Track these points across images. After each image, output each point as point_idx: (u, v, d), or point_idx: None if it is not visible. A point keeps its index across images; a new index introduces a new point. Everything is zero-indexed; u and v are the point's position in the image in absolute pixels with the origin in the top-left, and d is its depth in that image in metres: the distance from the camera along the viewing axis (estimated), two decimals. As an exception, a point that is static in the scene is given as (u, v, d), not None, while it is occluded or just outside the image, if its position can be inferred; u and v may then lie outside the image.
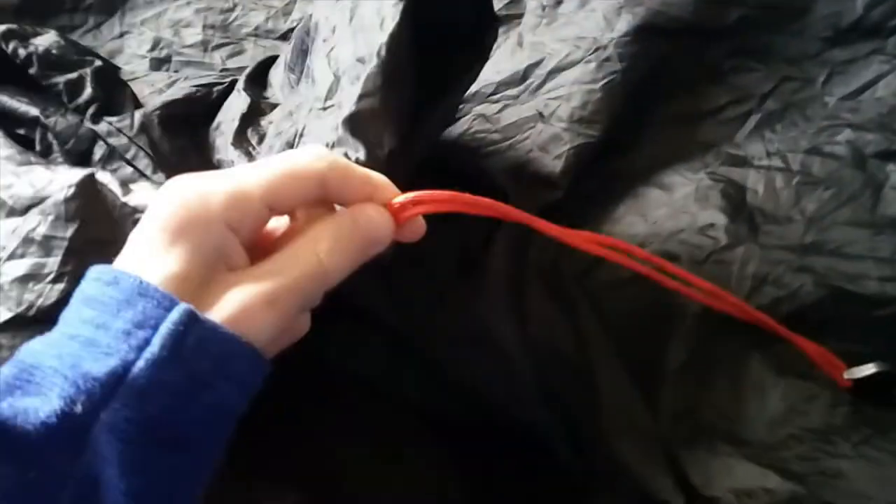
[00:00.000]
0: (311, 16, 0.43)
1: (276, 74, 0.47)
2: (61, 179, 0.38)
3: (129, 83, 0.52)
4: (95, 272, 0.26)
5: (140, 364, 0.23)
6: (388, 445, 0.42)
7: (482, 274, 0.40)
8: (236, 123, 0.43)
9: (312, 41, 0.42)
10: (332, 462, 0.40)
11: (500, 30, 0.52)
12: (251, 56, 0.56)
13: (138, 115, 0.46)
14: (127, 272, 0.25)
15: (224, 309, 0.25)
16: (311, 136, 0.37)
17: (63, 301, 0.34)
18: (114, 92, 0.49)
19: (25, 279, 0.36)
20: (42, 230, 0.37)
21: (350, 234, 0.28)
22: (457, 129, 0.49)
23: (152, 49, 0.57)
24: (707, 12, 0.49)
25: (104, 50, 0.58)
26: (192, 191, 0.27)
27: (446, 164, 0.43)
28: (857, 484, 0.35)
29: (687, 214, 0.44)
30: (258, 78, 0.48)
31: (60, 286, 0.36)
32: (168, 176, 0.43)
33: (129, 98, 0.50)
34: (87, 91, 0.48)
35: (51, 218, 0.37)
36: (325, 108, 0.37)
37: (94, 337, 0.24)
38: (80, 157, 0.46)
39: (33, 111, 0.47)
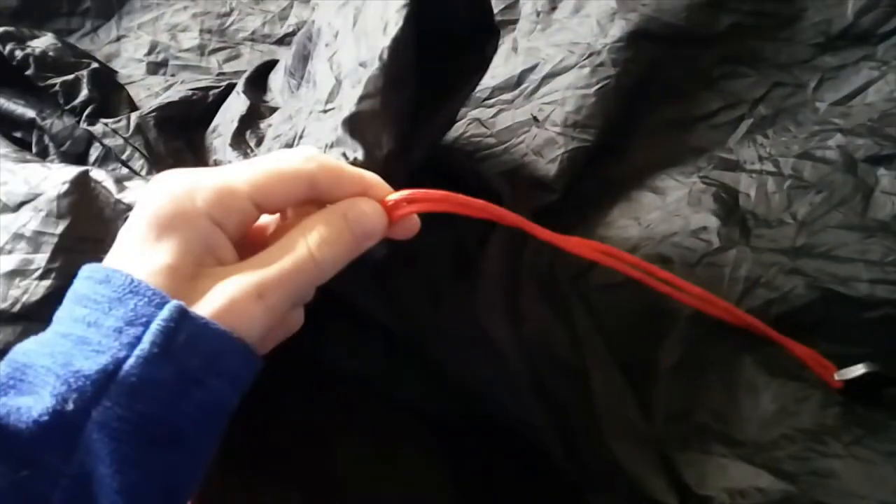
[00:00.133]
0: (312, 21, 0.43)
1: (276, 79, 0.47)
2: (56, 176, 0.38)
3: (125, 87, 0.52)
4: (87, 270, 0.26)
5: (131, 361, 0.23)
6: (387, 445, 0.42)
7: (477, 275, 0.40)
8: (235, 125, 0.44)
9: (315, 46, 0.42)
10: (332, 462, 0.40)
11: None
12: (247, 60, 0.56)
13: (134, 116, 0.46)
14: (119, 270, 0.25)
15: (213, 303, 0.25)
16: (310, 137, 0.37)
17: (49, 298, 0.34)
18: (110, 94, 0.50)
19: (12, 275, 0.36)
20: (33, 226, 0.37)
21: (341, 227, 0.28)
22: (452, 133, 0.49)
23: (149, 53, 0.57)
24: (699, 19, 0.49)
25: (101, 53, 0.58)
26: (179, 185, 0.27)
27: (441, 167, 0.43)
28: (848, 483, 0.35)
29: (680, 218, 0.44)
30: (258, 81, 0.48)
31: (47, 283, 0.36)
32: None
33: (124, 100, 0.50)
34: (84, 93, 0.48)
35: (42, 214, 0.37)
36: (325, 111, 0.37)
37: (85, 335, 0.24)
38: (76, 158, 0.46)
39: (30, 113, 0.47)
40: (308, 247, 0.27)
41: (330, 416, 0.41)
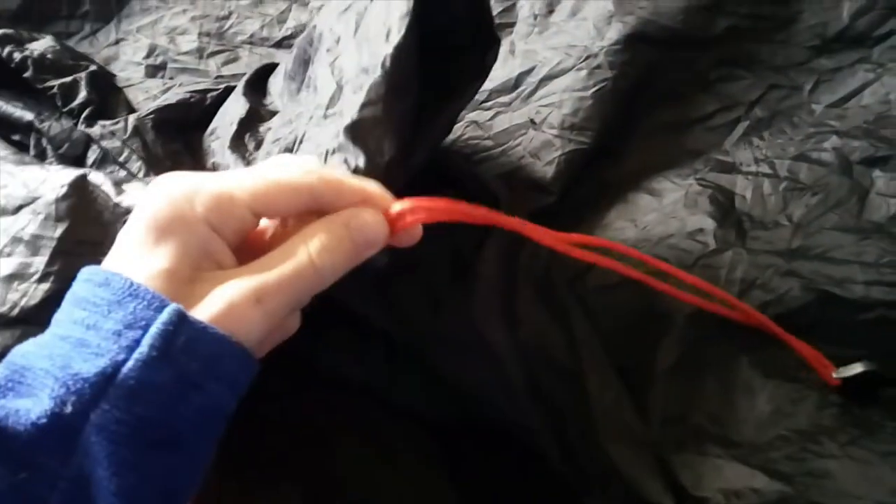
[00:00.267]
0: (314, 26, 0.43)
1: (276, 83, 0.47)
2: (54, 179, 0.38)
3: (123, 89, 0.52)
4: (87, 273, 0.26)
5: (130, 364, 0.23)
6: (386, 448, 0.42)
7: (473, 279, 0.40)
8: (234, 128, 0.44)
9: (315, 51, 0.42)
10: (332, 464, 0.40)
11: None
12: (246, 63, 0.56)
13: (132, 119, 0.47)
14: (118, 273, 0.25)
15: (211, 307, 0.25)
16: (311, 142, 0.37)
17: (47, 301, 0.34)
18: (108, 96, 0.50)
19: (10, 278, 0.36)
20: (31, 229, 0.37)
21: (342, 235, 0.28)
22: (450, 135, 0.50)
23: (148, 56, 0.57)
24: (696, 22, 0.50)
25: (100, 57, 0.58)
26: (178, 189, 0.27)
27: (440, 169, 0.44)
28: (844, 484, 0.35)
29: (676, 220, 0.44)
30: (257, 84, 0.48)
31: (45, 286, 0.36)
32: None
33: (122, 102, 0.50)
34: (82, 94, 0.48)
35: (41, 217, 0.37)
36: (326, 116, 0.37)
37: (84, 338, 0.24)
38: (73, 160, 0.46)
39: (28, 116, 0.47)
40: (309, 253, 0.27)
41: (329, 418, 0.41)
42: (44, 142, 0.47)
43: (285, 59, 0.46)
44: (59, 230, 0.37)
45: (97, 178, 0.39)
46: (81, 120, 0.47)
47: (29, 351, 0.25)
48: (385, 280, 0.40)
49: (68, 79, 0.49)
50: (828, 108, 0.48)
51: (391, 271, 0.39)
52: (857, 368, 0.37)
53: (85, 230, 0.37)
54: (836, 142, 0.46)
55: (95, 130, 0.46)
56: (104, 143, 0.45)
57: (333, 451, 0.41)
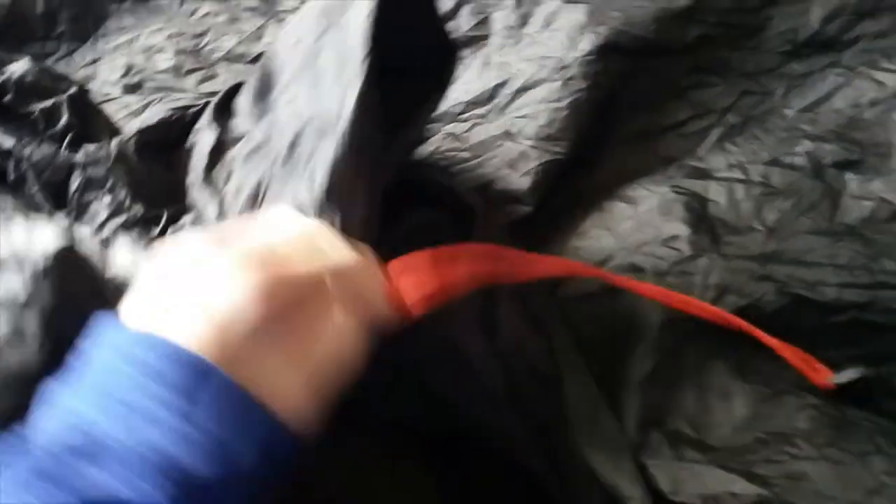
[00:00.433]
0: (270, 56, 0.43)
1: (242, 102, 0.47)
2: (38, 243, 0.36)
3: (102, 105, 0.52)
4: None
5: None
6: (384, 456, 0.42)
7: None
8: (205, 161, 0.44)
9: (274, 84, 0.42)
10: (331, 472, 0.40)
11: (468, 50, 0.53)
12: (223, 80, 0.56)
13: (115, 143, 0.47)
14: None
15: None
16: (277, 189, 0.37)
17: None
18: (90, 119, 0.50)
19: None
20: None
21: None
22: (427, 147, 0.50)
23: (125, 75, 0.57)
24: (667, 31, 0.50)
25: (77, 77, 0.58)
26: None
27: (414, 184, 0.44)
28: (821, 485, 0.36)
29: (651, 227, 0.45)
30: (226, 105, 0.48)
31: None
32: (146, 206, 0.43)
33: (103, 124, 0.50)
34: (64, 118, 0.48)
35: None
36: (288, 162, 0.37)
37: None
38: (56, 187, 0.46)
39: (7, 143, 0.47)
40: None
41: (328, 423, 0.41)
42: (23, 167, 0.46)
43: (251, 79, 0.46)
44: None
45: (81, 233, 0.38)
46: (65, 144, 0.47)
47: None
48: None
49: (49, 102, 0.49)
50: (800, 113, 0.48)
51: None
52: (854, 374, 0.38)
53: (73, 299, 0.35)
54: (809, 146, 0.46)
55: (79, 157, 0.46)
56: (89, 171, 0.45)
57: (328, 465, 0.41)
